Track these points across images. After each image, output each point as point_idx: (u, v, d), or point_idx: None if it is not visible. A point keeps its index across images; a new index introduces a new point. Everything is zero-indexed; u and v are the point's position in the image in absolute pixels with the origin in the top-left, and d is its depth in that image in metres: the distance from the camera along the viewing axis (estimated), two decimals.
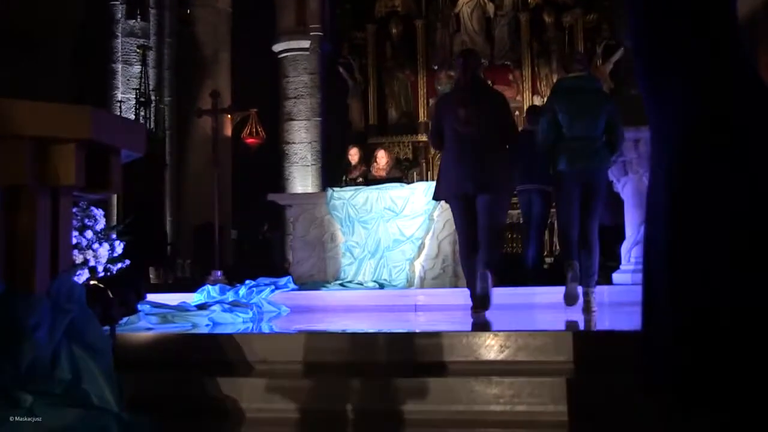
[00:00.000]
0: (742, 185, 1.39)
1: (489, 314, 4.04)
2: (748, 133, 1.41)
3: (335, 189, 6.50)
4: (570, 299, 4.19)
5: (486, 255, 4.06)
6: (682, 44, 1.48)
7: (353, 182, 7.03)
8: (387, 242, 6.24)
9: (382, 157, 7.91)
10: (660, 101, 1.51)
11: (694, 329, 1.39)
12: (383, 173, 7.54)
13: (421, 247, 6.19)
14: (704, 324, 1.38)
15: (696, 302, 1.39)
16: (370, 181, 7.07)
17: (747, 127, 1.41)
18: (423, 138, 11.34)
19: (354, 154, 7.85)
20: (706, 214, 1.39)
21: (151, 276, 8.67)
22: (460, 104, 4.11)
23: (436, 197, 4.28)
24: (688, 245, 1.40)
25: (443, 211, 6.11)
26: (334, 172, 9.88)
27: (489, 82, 5.17)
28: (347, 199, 6.38)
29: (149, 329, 3.57)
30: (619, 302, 4.57)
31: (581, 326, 3.53)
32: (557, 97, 4.38)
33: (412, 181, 7.35)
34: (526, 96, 10.91)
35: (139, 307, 3.56)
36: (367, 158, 8.07)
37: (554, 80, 10.90)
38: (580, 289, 4.21)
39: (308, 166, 10.82)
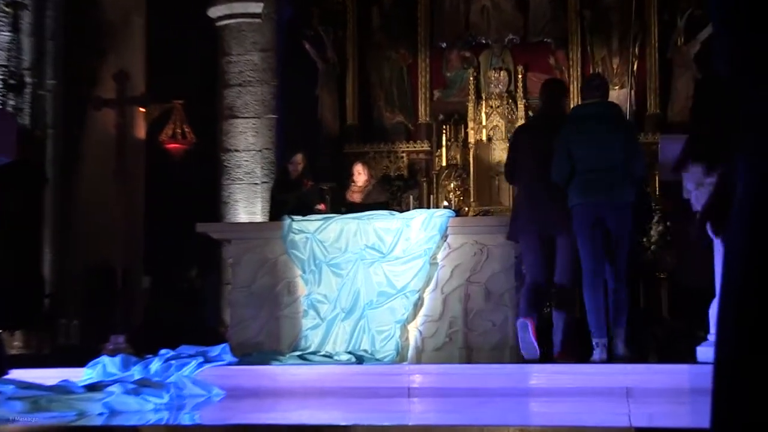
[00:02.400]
0: None
1: (512, 404, 4.19)
2: None
3: (295, 218, 6.53)
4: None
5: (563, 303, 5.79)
6: None
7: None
8: (369, 296, 6.27)
9: (359, 174, 7.97)
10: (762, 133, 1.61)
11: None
12: (358, 197, 7.58)
13: (418, 304, 6.23)
14: None
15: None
16: (348, 207, 7.12)
17: None
18: (423, 146, 11.45)
19: (361, 172, 7.96)
20: None
21: (16, 342, 8.57)
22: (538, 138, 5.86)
23: (511, 234, 5.88)
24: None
25: (451, 251, 6.13)
26: None
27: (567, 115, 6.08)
28: (312, 232, 6.42)
29: (11, 421, 3.55)
30: (706, 388, 4.61)
31: (636, 421, 3.57)
32: (570, 126, 5.54)
33: (407, 209, 7.38)
34: (574, 88, 11.02)
35: None
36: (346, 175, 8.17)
37: (614, 66, 11.06)
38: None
39: (257, 184, 10.84)
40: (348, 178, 8.56)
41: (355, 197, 7.95)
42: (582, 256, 5.57)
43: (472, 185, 11.20)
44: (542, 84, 6.57)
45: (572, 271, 5.72)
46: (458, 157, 11.38)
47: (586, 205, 5.54)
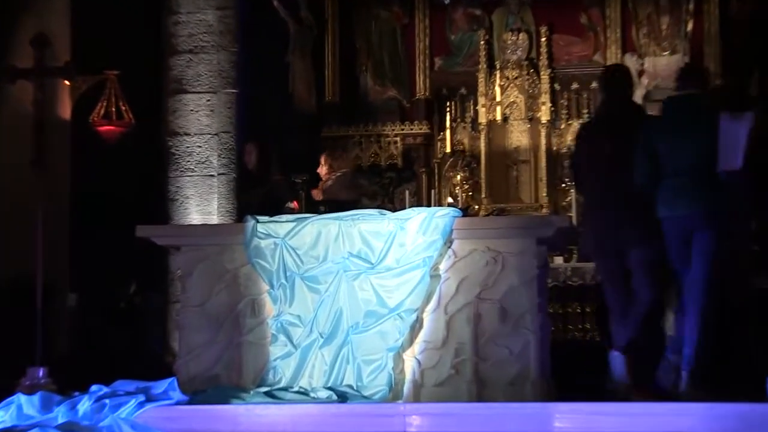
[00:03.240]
0: None
1: None
2: None
3: (261, 219, 6.52)
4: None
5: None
6: None
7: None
8: (354, 317, 6.27)
9: (321, 165, 7.97)
10: None
11: None
12: (319, 193, 7.58)
13: (415, 327, 6.21)
14: None
15: None
16: (327, 204, 7.13)
17: None
18: (421, 128, 11.45)
19: (322, 162, 7.99)
20: None
21: None
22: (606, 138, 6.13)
23: (583, 252, 6.46)
24: None
25: (457, 260, 6.13)
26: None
27: (641, 106, 6.55)
28: (283, 237, 6.42)
29: None
30: None
31: None
32: (656, 121, 5.95)
33: (402, 207, 7.40)
34: (612, 54, 11.02)
35: None
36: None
37: (663, 27, 11.06)
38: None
39: (213, 176, 10.80)
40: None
41: (317, 193, 7.98)
42: (674, 280, 6.03)
43: (483, 177, 11.23)
44: (602, 72, 7.04)
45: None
46: (466, 141, 11.41)
47: (675, 219, 5.90)
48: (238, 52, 11.11)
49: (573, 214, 10.09)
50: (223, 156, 10.79)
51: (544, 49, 11.28)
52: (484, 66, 11.32)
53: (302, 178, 8.70)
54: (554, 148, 11.41)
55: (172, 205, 10.67)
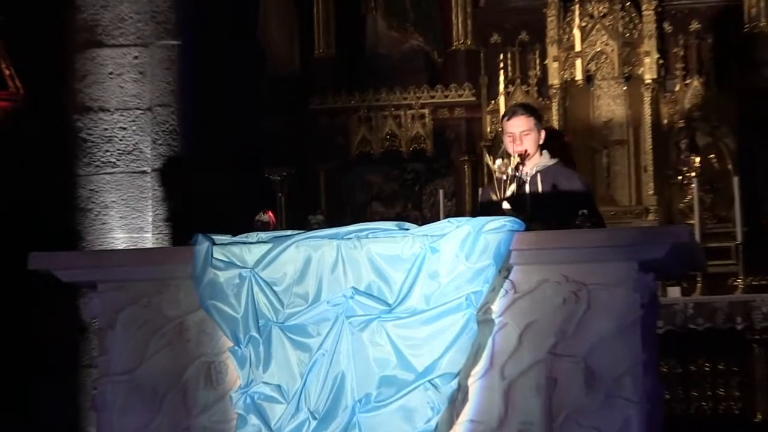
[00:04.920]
0: None
1: None
2: None
3: (218, 239, 6.57)
4: None
5: None
6: None
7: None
8: (363, 386, 6.26)
9: None
10: None
11: None
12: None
13: (456, 400, 6.20)
14: None
15: None
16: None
17: None
18: (461, 95, 11.45)
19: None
20: None
21: None
22: None
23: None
24: None
25: (518, 297, 6.17)
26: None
27: None
28: (252, 266, 6.45)
29: None
30: None
31: None
32: None
33: (434, 216, 7.39)
34: None
35: None
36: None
37: None
38: None
39: (145, 172, 10.84)
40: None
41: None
42: None
43: None
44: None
45: None
46: None
47: None
48: None
49: (696, 221, 10.10)
50: (159, 141, 10.83)
51: None
52: None
53: (281, 175, 8.73)
54: (665, 121, 11.41)
55: (83, 218, 10.71)
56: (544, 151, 7.88)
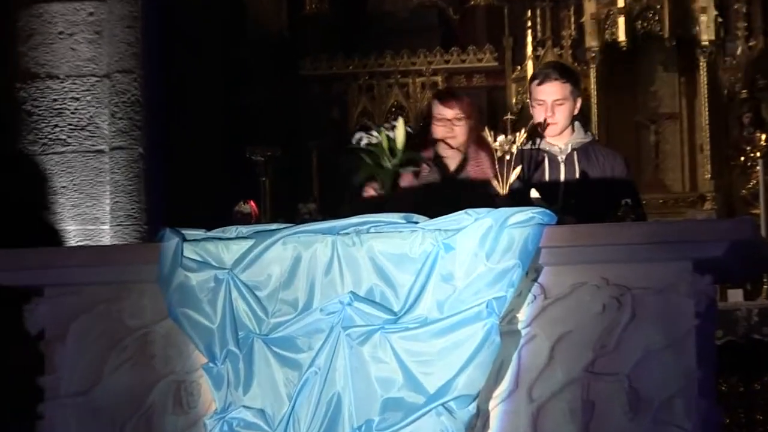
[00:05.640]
0: None
1: None
2: None
3: (190, 234, 6.60)
4: None
5: None
6: None
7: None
8: (364, 411, 6.27)
9: None
10: None
11: None
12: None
13: (472, 426, 6.22)
14: None
15: None
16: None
17: None
18: (482, 61, 11.48)
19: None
20: None
21: None
22: None
23: None
24: None
25: (549, 304, 6.19)
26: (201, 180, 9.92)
27: None
28: (230, 267, 6.47)
29: None
30: None
31: None
32: None
33: (448, 207, 7.43)
34: None
35: None
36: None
37: None
38: None
39: (102, 152, 10.91)
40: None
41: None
42: None
43: None
44: None
45: None
46: None
47: None
48: None
49: (762, 211, 10.10)
50: (119, 116, 10.88)
51: None
52: None
53: (265, 155, 8.75)
54: (725, 92, 11.44)
55: (35, 210, 10.76)
56: (577, 124, 7.82)
